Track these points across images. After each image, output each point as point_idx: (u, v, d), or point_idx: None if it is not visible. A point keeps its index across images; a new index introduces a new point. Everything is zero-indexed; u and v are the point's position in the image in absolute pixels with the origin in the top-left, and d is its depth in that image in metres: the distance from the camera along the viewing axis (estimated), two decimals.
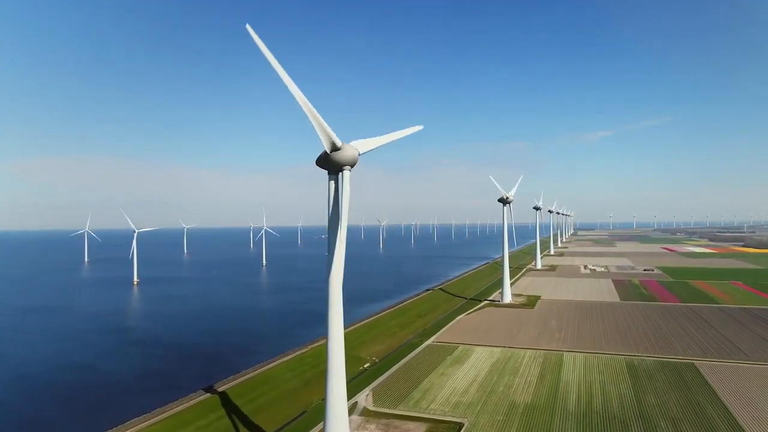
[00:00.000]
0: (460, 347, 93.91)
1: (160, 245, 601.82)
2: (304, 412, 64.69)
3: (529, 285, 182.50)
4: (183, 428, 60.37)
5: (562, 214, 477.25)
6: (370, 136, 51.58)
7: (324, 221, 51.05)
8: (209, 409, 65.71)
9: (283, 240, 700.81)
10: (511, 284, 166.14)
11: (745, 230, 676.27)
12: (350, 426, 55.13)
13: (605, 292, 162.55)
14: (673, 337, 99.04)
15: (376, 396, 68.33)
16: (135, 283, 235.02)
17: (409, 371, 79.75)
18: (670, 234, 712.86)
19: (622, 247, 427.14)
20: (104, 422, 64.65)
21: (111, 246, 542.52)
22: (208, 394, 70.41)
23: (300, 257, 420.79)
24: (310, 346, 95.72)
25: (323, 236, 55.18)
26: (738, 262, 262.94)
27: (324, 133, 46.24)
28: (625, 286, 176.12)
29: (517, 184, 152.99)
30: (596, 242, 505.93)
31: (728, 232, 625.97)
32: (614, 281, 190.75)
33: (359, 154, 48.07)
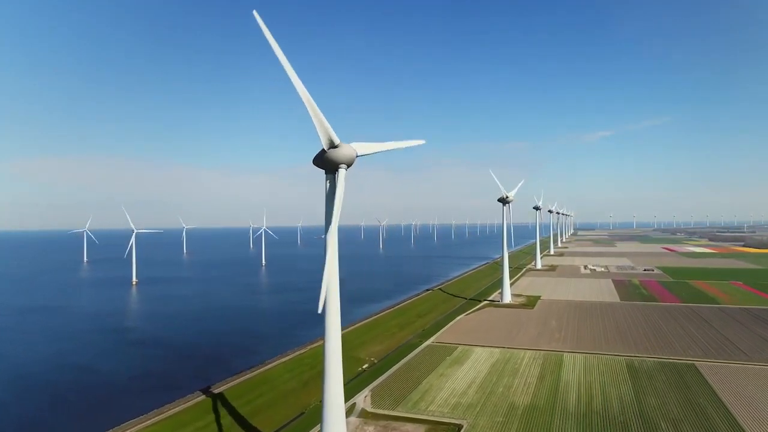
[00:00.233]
0: (460, 348, 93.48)
1: (160, 245, 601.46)
2: (302, 414, 64.30)
3: (529, 285, 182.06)
4: (180, 430, 59.94)
5: (562, 214, 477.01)
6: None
7: (323, 221, 50.55)
8: (207, 410, 65.24)
9: (283, 240, 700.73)
10: (511, 284, 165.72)
11: (745, 230, 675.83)
12: (348, 428, 54.72)
13: (605, 293, 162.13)
14: (673, 338, 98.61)
15: (375, 397, 67.89)
16: (134, 283, 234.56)
17: (408, 372, 79.32)
18: (670, 234, 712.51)
19: (622, 247, 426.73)
20: (101, 423, 64.19)
21: (110, 246, 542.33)
22: (206, 395, 69.89)
23: (300, 257, 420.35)
24: (308, 347, 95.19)
25: (323, 236, 54.57)
26: (738, 262, 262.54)
27: (323, 128, 46.29)
28: (625, 287, 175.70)
29: (517, 188, 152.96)
30: (596, 242, 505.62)
31: (728, 232, 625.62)
32: (614, 281, 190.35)
33: (357, 156, 47.94)
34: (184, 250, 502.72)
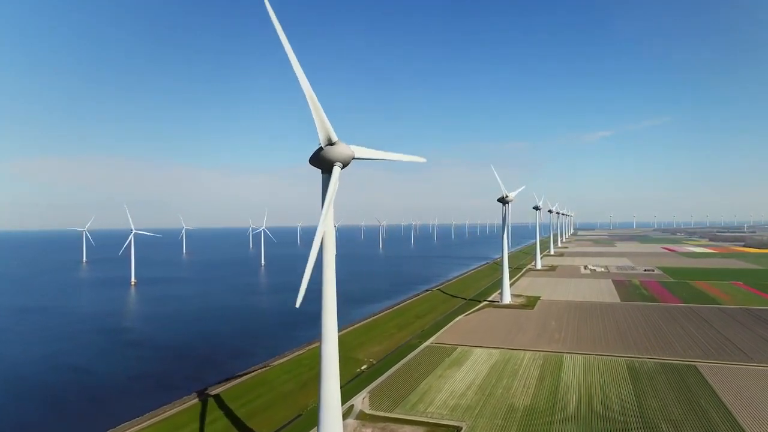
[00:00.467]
0: (459, 349, 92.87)
1: (159, 246, 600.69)
2: (299, 415, 63.69)
3: (528, 285, 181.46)
4: None
5: (562, 214, 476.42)
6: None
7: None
8: (203, 412, 64.59)
9: (283, 240, 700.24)
10: (511, 285, 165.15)
11: (745, 230, 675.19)
12: (345, 430, 54.16)
13: (605, 293, 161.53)
14: (673, 338, 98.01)
15: (373, 399, 67.27)
16: (132, 283, 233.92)
17: (407, 373, 78.70)
18: (670, 234, 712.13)
19: (622, 247, 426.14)
20: (97, 425, 63.69)
21: (110, 246, 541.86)
22: (203, 397, 69.30)
23: (299, 257, 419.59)
24: (307, 348, 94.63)
25: None
26: (738, 263, 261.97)
27: (322, 124, 46.17)
28: (626, 287, 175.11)
29: (517, 191, 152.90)
30: (596, 242, 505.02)
31: (728, 232, 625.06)
32: (614, 281, 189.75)
33: (354, 158, 47.70)
34: (184, 251, 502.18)
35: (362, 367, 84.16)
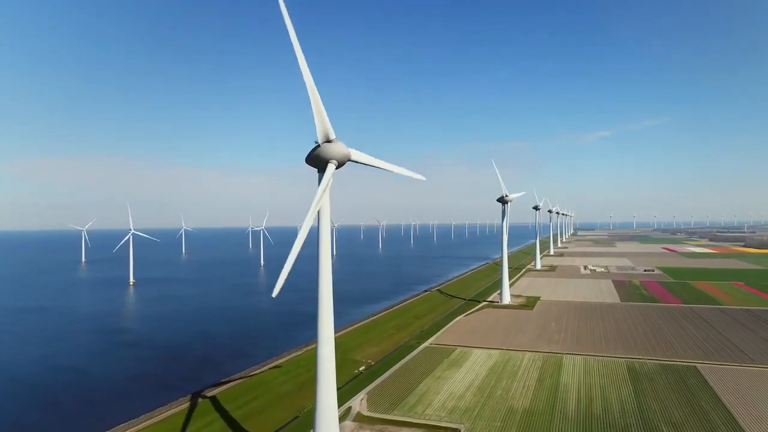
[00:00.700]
0: (458, 349, 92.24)
1: (159, 246, 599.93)
2: (296, 417, 63.03)
3: (528, 285, 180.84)
4: None
5: (562, 214, 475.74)
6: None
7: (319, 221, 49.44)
8: (199, 414, 64.02)
9: (283, 240, 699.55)
10: (511, 285, 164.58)
11: (746, 230, 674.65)
12: None
13: (605, 293, 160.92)
14: (674, 339, 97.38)
15: (371, 400, 66.63)
16: (131, 283, 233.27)
17: (406, 374, 78.06)
18: (670, 234, 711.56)
19: (622, 247, 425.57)
20: (93, 427, 63.12)
21: (109, 246, 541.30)
22: (199, 399, 68.74)
23: (299, 258, 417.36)
24: (304, 349, 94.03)
25: None
26: (739, 263, 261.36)
27: (321, 120, 45.87)
28: (626, 287, 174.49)
29: (518, 195, 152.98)
30: (596, 242, 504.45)
31: (728, 232, 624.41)
32: (614, 282, 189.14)
33: (350, 159, 47.27)
34: (183, 251, 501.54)
35: (360, 369, 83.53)
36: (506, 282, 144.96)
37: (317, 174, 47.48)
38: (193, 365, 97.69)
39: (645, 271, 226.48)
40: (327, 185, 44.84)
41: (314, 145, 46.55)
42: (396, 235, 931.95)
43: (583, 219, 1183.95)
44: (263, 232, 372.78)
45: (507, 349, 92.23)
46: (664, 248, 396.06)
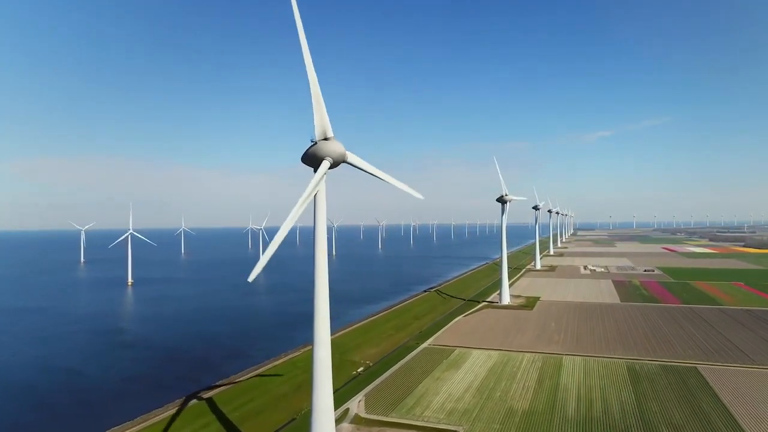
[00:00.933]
0: (457, 350, 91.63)
1: (158, 246, 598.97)
2: (293, 419, 62.41)
3: (528, 286, 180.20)
4: None
5: (562, 214, 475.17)
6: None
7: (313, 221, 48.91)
8: (195, 415, 63.37)
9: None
10: (510, 285, 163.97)
11: (746, 230, 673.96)
12: None
13: (605, 293, 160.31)
14: (674, 340, 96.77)
15: (369, 402, 66.01)
16: (129, 284, 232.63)
17: (404, 376, 77.44)
18: (670, 234, 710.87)
19: (622, 247, 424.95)
20: (86, 429, 62.50)
21: (107, 246, 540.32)
22: (195, 400, 68.07)
23: (298, 258, 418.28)
24: (302, 350, 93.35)
25: None
26: (739, 263, 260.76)
27: (321, 117, 45.64)
28: (626, 287, 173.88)
29: (518, 198, 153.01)
30: (596, 242, 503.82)
31: (728, 232, 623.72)
32: (614, 282, 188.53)
33: (345, 161, 46.83)
34: (182, 251, 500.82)
35: (359, 370, 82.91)
36: (506, 282, 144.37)
37: (314, 174, 46.89)
38: (190, 366, 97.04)
39: (645, 271, 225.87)
40: (318, 182, 44.20)
41: (310, 144, 45.97)
42: (396, 235, 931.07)
43: (583, 219, 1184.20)
44: (262, 232, 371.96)
45: (506, 349, 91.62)
46: (664, 248, 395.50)
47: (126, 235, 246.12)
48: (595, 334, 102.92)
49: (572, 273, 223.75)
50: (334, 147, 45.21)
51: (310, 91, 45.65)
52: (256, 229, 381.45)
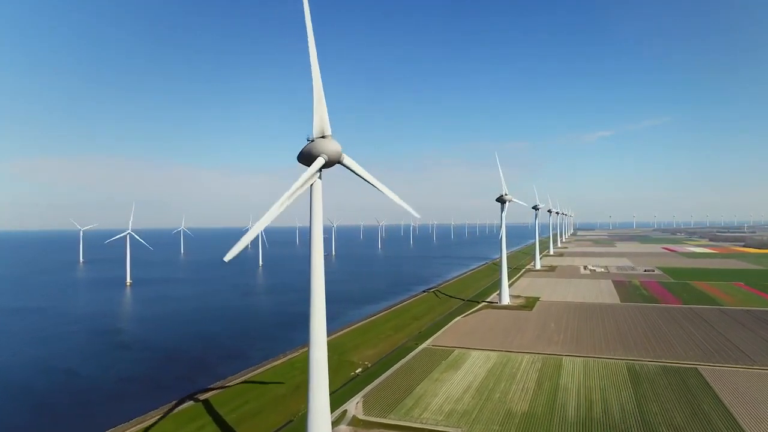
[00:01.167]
0: (456, 351, 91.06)
1: (156, 246, 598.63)
2: (290, 421, 61.82)
3: (528, 286, 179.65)
4: None
5: (562, 214, 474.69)
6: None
7: (322, 222, 48.40)
8: (191, 417, 62.81)
9: (281, 240, 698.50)
10: (510, 285, 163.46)
11: (746, 230, 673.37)
12: None
13: (605, 294, 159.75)
14: (675, 341, 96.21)
15: (367, 404, 65.45)
16: (128, 284, 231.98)
17: (403, 377, 76.88)
18: (670, 234, 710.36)
19: (622, 247, 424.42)
20: (82, 430, 61.85)
21: (106, 246, 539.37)
22: (191, 402, 67.51)
23: (297, 258, 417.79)
24: (300, 350, 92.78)
25: (323, 236, 53.65)
26: (739, 263, 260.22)
27: (321, 114, 45.29)
28: (626, 287, 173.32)
29: (518, 201, 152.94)
30: (596, 242, 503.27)
31: (728, 232, 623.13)
32: (614, 282, 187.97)
33: (341, 162, 46.33)
34: (181, 250, 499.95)
35: (357, 371, 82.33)
36: (505, 282, 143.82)
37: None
38: (188, 367, 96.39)
39: (645, 271, 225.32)
40: (309, 177, 43.56)
41: (307, 142, 45.44)
42: (395, 235, 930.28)
43: (583, 219, 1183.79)
44: (261, 232, 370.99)
45: (506, 350, 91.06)
46: (664, 248, 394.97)
47: (124, 234, 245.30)
48: (595, 335, 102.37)
49: (572, 273, 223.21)
50: (331, 145, 44.66)
51: (312, 88, 45.42)
52: (248, 228, 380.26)
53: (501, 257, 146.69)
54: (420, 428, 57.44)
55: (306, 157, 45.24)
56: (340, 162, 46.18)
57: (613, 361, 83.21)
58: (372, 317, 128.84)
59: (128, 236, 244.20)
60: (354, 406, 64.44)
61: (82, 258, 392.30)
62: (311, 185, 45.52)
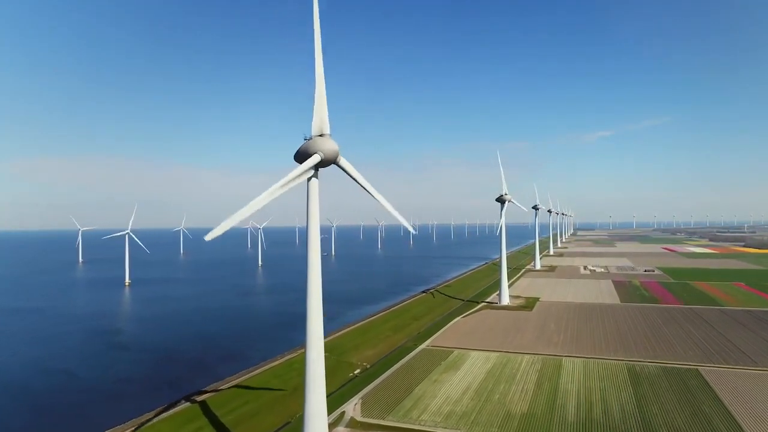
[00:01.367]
0: (455, 352, 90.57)
1: (157, 246, 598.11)
2: (288, 423, 61.34)
3: (527, 286, 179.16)
4: None
5: (562, 214, 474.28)
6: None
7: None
8: (187, 419, 62.34)
9: (281, 240, 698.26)
10: (510, 285, 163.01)
11: (746, 230, 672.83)
12: None
13: (605, 294, 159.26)
14: (675, 341, 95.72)
15: (365, 405, 64.97)
16: (126, 284, 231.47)
17: (402, 378, 76.40)
18: (670, 234, 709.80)
19: (622, 247, 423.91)
20: None
21: (105, 246, 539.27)
22: (188, 403, 67.04)
23: (297, 258, 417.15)
24: (299, 351, 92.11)
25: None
26: (739, 263, 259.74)
27: (320, 113, 44.94)
28: (626, 288, 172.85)
29: (518, 205, 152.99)
30: (596, 242, 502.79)
31: (728, 232, 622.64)
32: (614, 282, 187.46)
33: (337, 163, 45.92)
34: (181, 250, 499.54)
35: (356, 372, 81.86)
36: (505, 282, 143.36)
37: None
38: (186, 368, 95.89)
39: (645, 271, 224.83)
40: (302, 172, 43.05)
41: (303, 142, 44.97)
42: (395, 235, 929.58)
43: (583, 219, 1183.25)
44: (260, 231, 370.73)
45: (505, 351, 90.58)
46: (664, 248, 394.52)
47: (123, 233, 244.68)
48: (595, 335, 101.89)
49: (572, 273, 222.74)
50: (329, 144, 44.20)
51: (313, 86, 45.12)
52: (255, 228, 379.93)
53: (501, 257, 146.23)
54: (418, 430, 56.98)
55: (302, 156, 44.78)
56: (336, 163, 45.66)
57: (613, 361, 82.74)
58: (371, 317, 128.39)
59: (127, 236, 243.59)
60: (352, 408, 63.97)
61: (82, 258, 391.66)
62: (308, 184, 45.07)
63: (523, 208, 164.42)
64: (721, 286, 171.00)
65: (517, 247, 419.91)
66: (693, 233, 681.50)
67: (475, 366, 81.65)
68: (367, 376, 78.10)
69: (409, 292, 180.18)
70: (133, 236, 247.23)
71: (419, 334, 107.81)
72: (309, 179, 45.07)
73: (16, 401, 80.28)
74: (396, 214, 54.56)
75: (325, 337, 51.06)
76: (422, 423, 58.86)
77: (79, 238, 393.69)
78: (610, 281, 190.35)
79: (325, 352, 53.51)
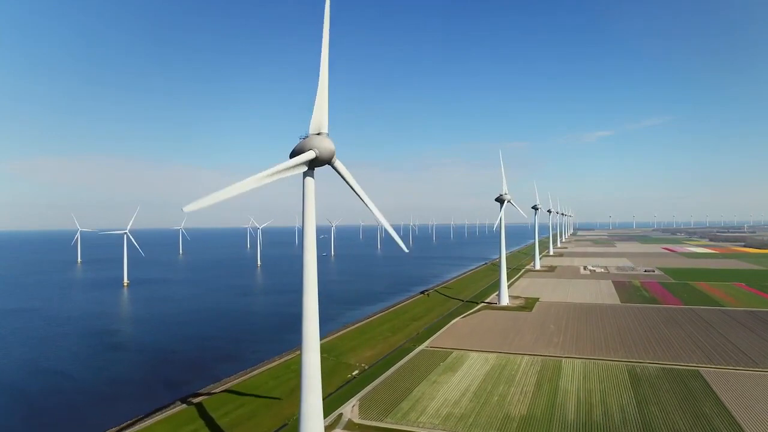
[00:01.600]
0: (454, 353, 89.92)
1: (157, 246, 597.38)
2: (285, 425, 60.67)
3: (527, 286, 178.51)
4: None
5: (562, 214, 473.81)
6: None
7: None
8: (183, 421, 61.67)
9: (280, 240, 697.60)
10: (509, 286, 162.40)
11: (746, 230, 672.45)
12: None
13: (605, 294, 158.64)
14: (676, 342, 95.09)
15: (363, 407, 64.31)
16: (125, 284, 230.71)
17: (400, 379, 75.73)
18: (670, 234, 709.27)
19: (622, 247, 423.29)
20: None
21: (105, 247, 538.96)
22: (184, 405, 66.39)
23: (296, 258, 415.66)
24: (296, 352, 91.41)
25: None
26: (739, 263, 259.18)
27: (320, 111, 44.51)
28: (626, 288, 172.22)
29: (518, 208, 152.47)
30: (596, 242, 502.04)
31: (728, 232, 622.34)
32: (614, 282, 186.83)
33: (332, 163, 45.42)
34: (180, 251, 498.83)
35: (354, 373, 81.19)
36: (505, 283, 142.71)
37: (302, 176, 45.19)
38: (182, 369, 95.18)
39: (645, 271, 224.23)
40: (293, 165, 42.36)
41: (300, 140, 44.35)
42: None
43: (583, 219, 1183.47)
44: (259, 231, 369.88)
45: (505, 352, 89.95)
46: (664, 248, 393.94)
47: (122, 233, 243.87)
48: (595, 336, 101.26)
49: (572, 273, 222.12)
50: (325, 142, 43.55)
51: (316, 84, 44.69)
52: (254, 229, 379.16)
53: (500, 257, 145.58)
54: None
55: (298, 153, 44.15)
56: (331, 164, 45.00)
57: (613, 362, 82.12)
58: (370, 318, 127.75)
59: (125, 236, 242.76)
60: (350, 410, 63.31)
61: (80, 258, 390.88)
62: (304, 182, 44.43)
63: (523, 213, 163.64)
64: (721, 286, 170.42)
65: (517, 248, 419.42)
66: (693, 233, 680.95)
67: (474, 367, 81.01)
68: (366, 378, 77.44)
69: (408, 293, 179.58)
70: (131, 237, 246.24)
71: (418, 334, 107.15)
72: (305, 177, 44.42)
73: (12, 402, 79.58)
74: (389, 227, 53.55)
75: (323, 338, 50.48)
76: (420, 425, 58.20)
77: (78, 237, 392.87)
78: (610, 281, 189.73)
79: (324, 353, 53.10)
